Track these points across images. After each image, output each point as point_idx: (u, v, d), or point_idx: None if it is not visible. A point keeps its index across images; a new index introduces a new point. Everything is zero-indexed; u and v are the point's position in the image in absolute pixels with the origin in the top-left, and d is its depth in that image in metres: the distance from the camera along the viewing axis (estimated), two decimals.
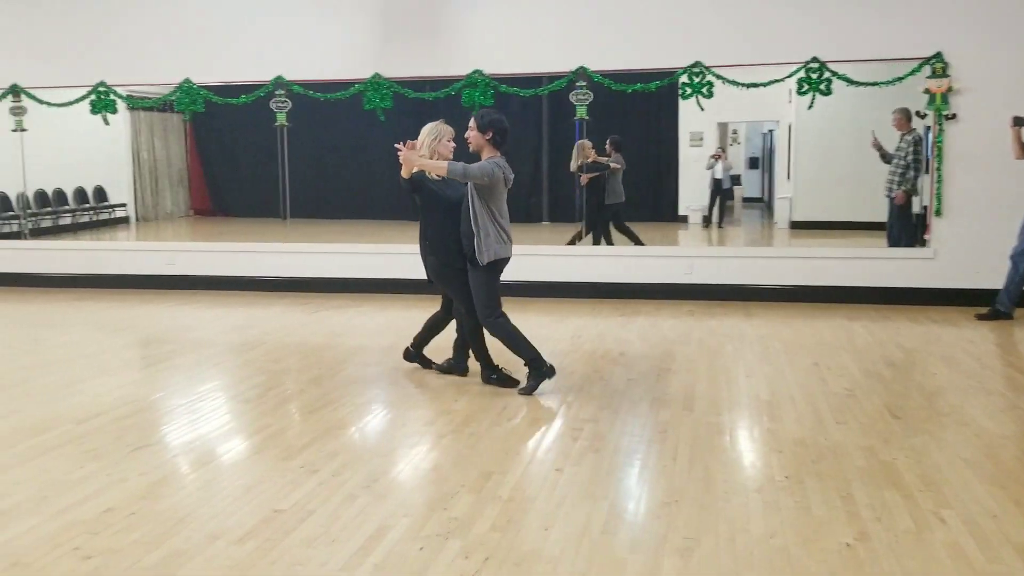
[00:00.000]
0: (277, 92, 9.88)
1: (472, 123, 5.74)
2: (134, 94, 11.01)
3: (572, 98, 9.49)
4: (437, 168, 5.62)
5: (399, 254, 10.02)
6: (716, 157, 15.13)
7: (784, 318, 8.42)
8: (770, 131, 17.17)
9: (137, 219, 17.09)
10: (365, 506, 4.02)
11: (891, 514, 3.89)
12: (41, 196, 15.27)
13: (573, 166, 11.11)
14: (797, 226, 13.64)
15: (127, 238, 15.90)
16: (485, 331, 6.01)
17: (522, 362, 5.98)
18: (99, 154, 16.13)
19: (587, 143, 11.05)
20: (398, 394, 5.98)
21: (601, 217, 10.91)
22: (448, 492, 4.18)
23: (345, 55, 9.80)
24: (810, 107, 9.01)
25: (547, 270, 9.75)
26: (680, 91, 9.27)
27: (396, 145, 5.70)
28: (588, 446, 4.82)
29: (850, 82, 8.85)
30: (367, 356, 7.09)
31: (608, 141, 11.29)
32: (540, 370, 5.86)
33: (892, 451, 4.70)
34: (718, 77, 9.10)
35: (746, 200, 18.59)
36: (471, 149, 5.79)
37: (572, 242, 10.89)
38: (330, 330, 8.14)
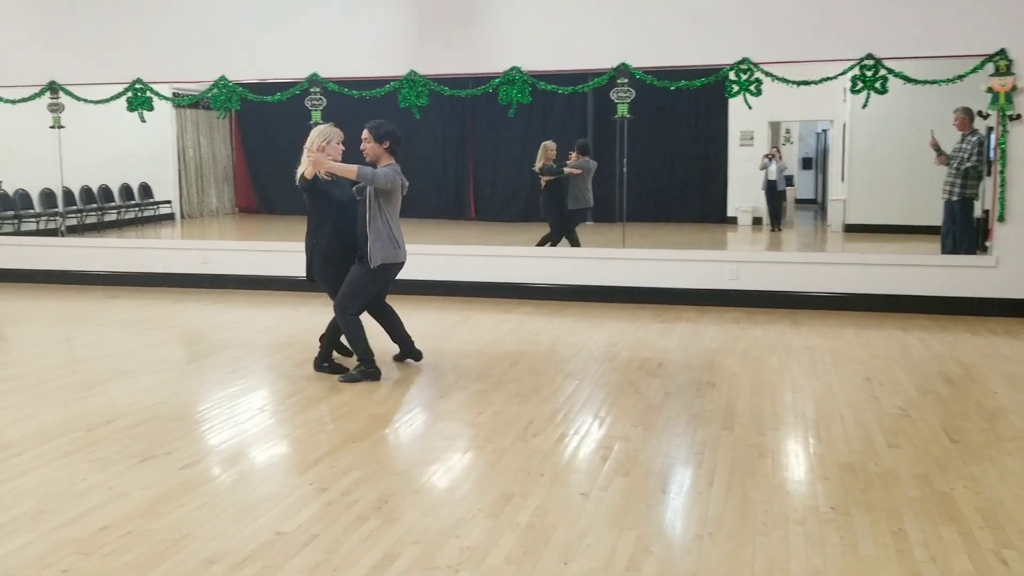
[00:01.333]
0: (312, 90, 9.69)
1: (366, 134, 6.02)
2: (179, 92, 10.92)
3: (613, 96, 9.16)
4: (347, 171, 5.82)
5: (441, 255, 9.79)
6: (770, 157, 14.63)
7: (834, 328, 8.00)
8: (824, 131, 16.61)
9: (182, 216, 17.13)
10: (373, 530, 3.76)
11: (947, 554, 3.53)
12: (87, 192, 15.36)
13: (536, 166, 10.86)
14: (851, 229, 13.13)
15: (171, 235, 15.92)
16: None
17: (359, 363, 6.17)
18: (145, 151, 16.19)
19: (550, 144, 10.80)
20: (421, 403, 5.72)
21: (568, 220, 10.63)
22: (463, 517, 3.90)
23: (380, 52, 9.57)
24: (864, 106, 8.56)
25: (585, 273, 9.44)
26: (726, 89, 8.88)
27: (306, 147, 5.94)
28: (617, 468, 4.51)
29: (907, 80, 8.38)
30: (395, 362, 6.83)
31: (575, 145, 11.02)
32: (368, 370, 6.16)
33: (949, 480, 4.31)
34: (767, 74, 8.69)
35: (799, 202, 18.03)
36: (367, 159, 6.06)
37: (542, 243, 10.51)
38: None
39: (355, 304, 6.18)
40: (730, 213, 15.29)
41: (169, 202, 16.84)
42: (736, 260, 9.24)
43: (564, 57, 9.23)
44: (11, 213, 13.21)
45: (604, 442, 4.92)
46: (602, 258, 9.53)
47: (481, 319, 8.54)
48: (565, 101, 14.11)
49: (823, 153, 17.06)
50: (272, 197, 18.12)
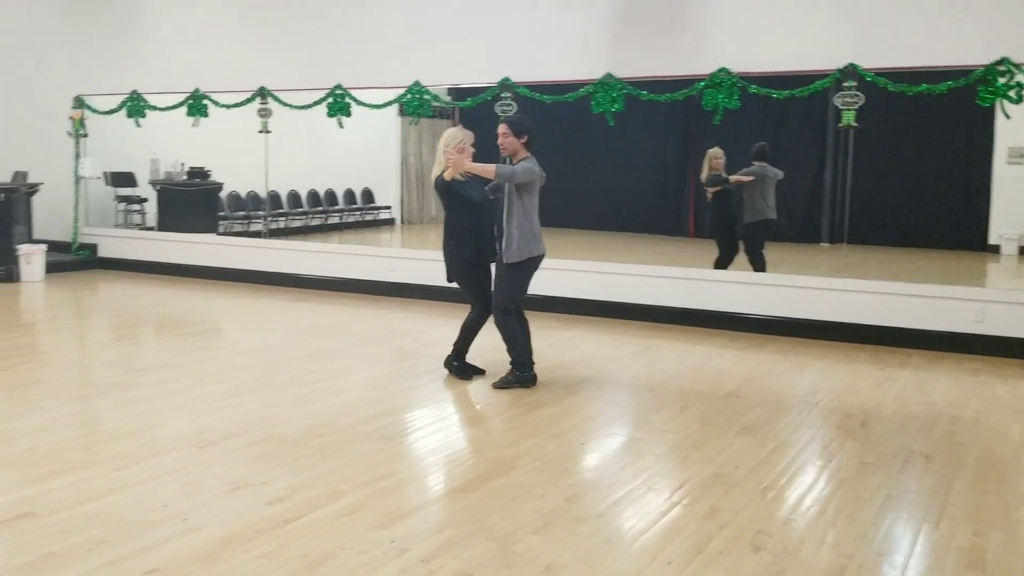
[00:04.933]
0: (503, 95, 9.19)
1: (504, 128, 6.00)
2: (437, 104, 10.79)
3: (837, 101, 7.93)
4: (486, 170, 5.83)
5: (627, 275, 8.97)
6: None
7: None
8: None
9: (402, 222, 17.39)
10: None
11: None
12: (313, 196, 15.91)
13: (702, 176, 9.73)
14: None
15: (390, 241, 16.14)
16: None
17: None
18: (370, 158, 16.59)
19: (715, 152, 9.55)
20: (556, 450, 4.93)
21: (748, 237, 9.46)
22: None
23: (573, 54, 8.91)
24: None
25: (794, 304, 8.23)
26: (979, 94, 7.41)
27: (440, 149, 5.98)
28: (766, 568, 3.52)
29: None
30: (585, 391, 6.10)
31: (752, 150, 9.68)
32: (522, 374, 6.12)
33: None
34: None
35: None
36: (505, 154, 6.06)
37: (717, 265, 9.40)
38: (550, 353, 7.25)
39: (510, 302, 6.11)
40: (993, 240, 13.22)
41: (389, 207, 17.14)
42: (982, 299, 7.68)
43: (780, 57, 8.13)
44: (242, 213, 13.86)
45: (764, 524, 3.92)
46: (816, 288, 8.26)
47: (664, 350, 7.63)
48: (802, 108, 12.84)
49: None
50: None
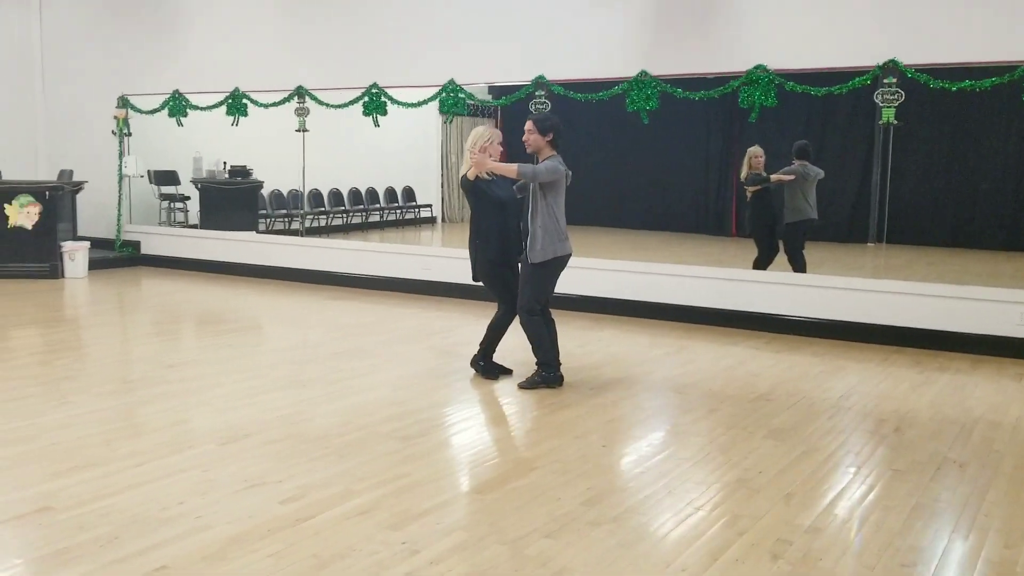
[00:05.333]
0: (537, 93, 9.12)
1: (530, 125, 5.93)
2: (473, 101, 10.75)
3: (877, 98, 7.73)
4: (508, 170, 5.79)
5: (663, 275, 8.86)
6: None
7: None
8: None
9: (443, 220, 17.40)
10: None
11: None
12: (355, 194, 15.99)
13: (742, 175, 9.53)
14: None
15: (430, 239, 16.17)
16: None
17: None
18: (412, 156, 16.62)
19: (756, 151, 9.35)
20: (576, 451, 4.86)
21: (788, 237, 9.28)
22: None
23: (608, 52, 8.80)
24: None
25: (832, 305, 8.05)
26: None
27: (467, 148, 5.95)
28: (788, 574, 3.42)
29: None
30: (604, 393, 6.03)
31: (793, 149, 9.48)
32: (548, 374, 6.06)
33: None
34: None
35: None
36: (530, 151, 5.98)
37: (756, 266, 9.23)
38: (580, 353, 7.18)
39: (535, 302, 6.04)
40: None
41: (430, 206, 17.16)
42: None
43: (818, 53, 7.95)
44: (283, 212, 13.99)
45: (785, 532, 3.81)
46: (856, 289, 8.06)
47: (698, 351, 7.51)
48: (850, 105, 12.57)
49: None
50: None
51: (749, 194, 9.56)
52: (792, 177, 9.26)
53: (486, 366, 6.40)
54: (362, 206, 15.96)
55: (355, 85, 10.26)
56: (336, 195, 15.33)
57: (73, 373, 6.40)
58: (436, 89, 9.76)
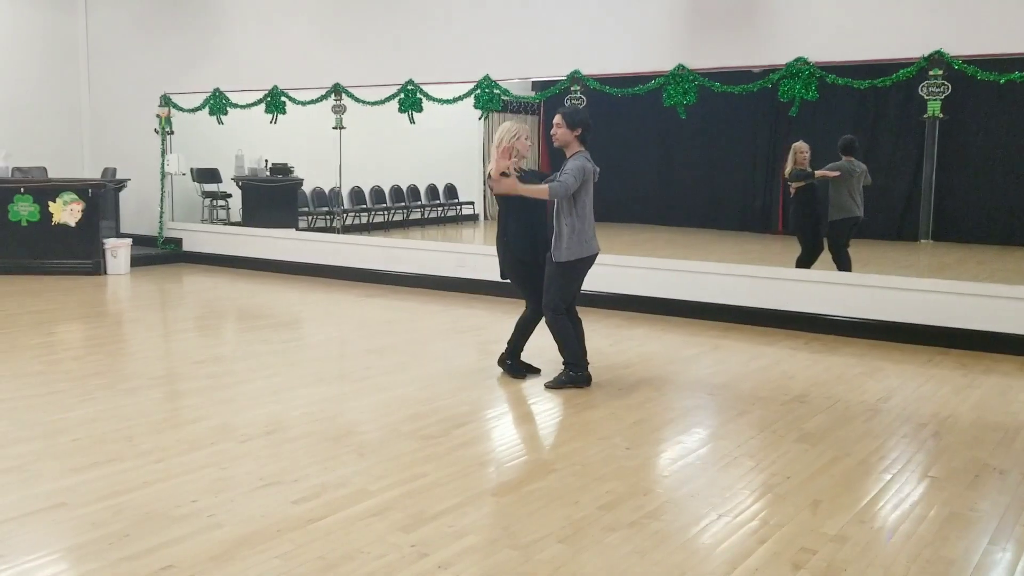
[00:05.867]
0: (572, 88, 9.00)
1: (559, 119, 5.78)
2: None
3: (923, 91, 7.48)
4: (539, 192, 5.68)
5: (700, 273, 8.70)
6: None
7: None
8: None
9: (485, 217, 17.34)
10: None
11: None
12: (396, 191, 16.00)
13: (785, 171, 9.25)
14: None
15: (472, 236, 16.12)
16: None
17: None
18: (453, 153, 16.59)
19: (801, 146, 9.05)
20: (596, 454, 4.74)
21: (832, 236, 9.00)
22: None
23: (645, 45, 8.65)
24: None
25: (874, 305, 7.81)
26: None
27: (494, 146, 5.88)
28: None
29: None
30: (637, 393, 5.91)
31: (838, 144, 9.16)
32: (575, 374, 5.95)
33: None
34: None
35: None
36: (557, 145, 5.85)
37: (800, 264, 8.96)
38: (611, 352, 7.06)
39: (559, 302, 5.93)
40: None
41: (472, 203, 17.10)
42: None
43: (861, 45, 7.71)
44: (325, 209, 14.04)
45: (800, 541, 3.66)
46: (900, 288, 7.80)
47: (732, 351, 7.34)
48: (902, 97, 12.22)
49: None
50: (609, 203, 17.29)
51: (793, 190, 9.33)
52: (837, 173, 9.00)
53: (513, 365, 6.31)
54: (403, 203, 15.96)
55: (391, 82, 10.24)
56: (378, 192, 15.35)
57: (103, 369, 6.45)
58: (472, 85, 9.69)
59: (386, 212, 15.63)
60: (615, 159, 16.38)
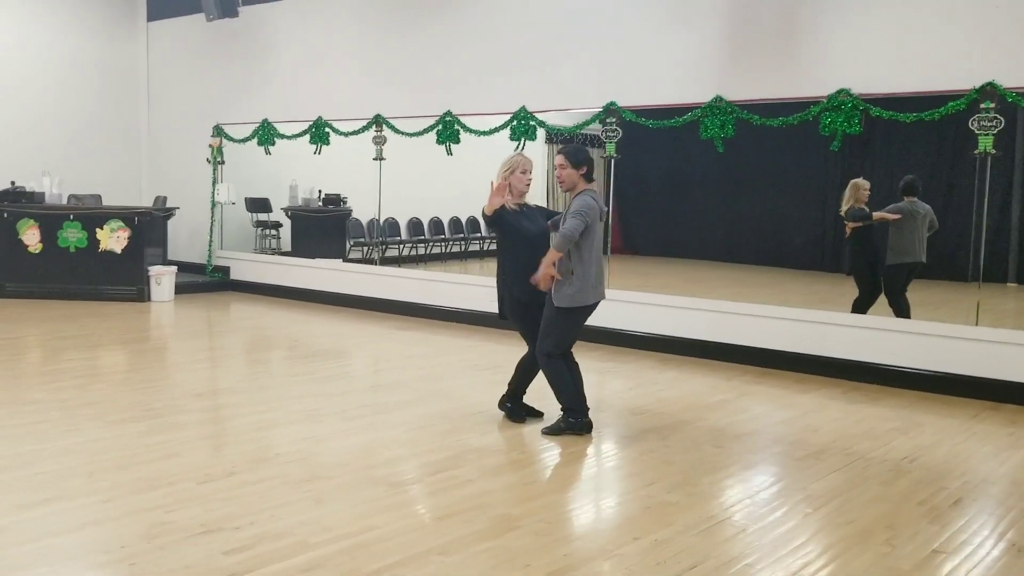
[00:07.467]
0: (607, 120, 8.71)
1: (562, 160, 5.50)
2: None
3: (973, 125, 6.94)
4: (552, 258, 5.36)
5: (733, 314, 8.24)
6: None
7: None
8: None
9: None
10: None
11: None
12: (436, 224, 15.79)
13: (842, 209, 8.64)
14: None
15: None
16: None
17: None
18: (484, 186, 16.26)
19: (862, 183, 8.47)
20: (578, 506, 4.38)
21: (889, 280, 8.41)
22: None
23: (682, 76, 8.32)
24: None
25: (919, 353, 7.23)
26: None
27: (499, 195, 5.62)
28: None
29: None
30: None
31: (900, 184, 8.54)
32: (574, 420, 5.60)
33: None
34: None
35: None
36: (563, 188, 5.57)
37: (856, 307, 8.32)
38: (628, 396, 6.69)
39: (556, 347, 5.60)
40: None
41: None
42: None
43: (907, 77, 7.23)
44: (377, 240, 13.97)
45: None
46: (953, 336, 7.17)
47: (760, 398, 6.87)
48: (904, 132, 11.47)
49: None
50: (637, 237, 16.89)
51: (848, 230, 8.77)
52: (897, 216, 8.42)
53: (514, 408, 6.01)
54: (443, 235, 15.77)
55: (430, 113, 10.13)
56: (416, 224, 15.15)
57: (101, 399, 6.37)
58: (508, 116, 9.49)
59: (426, 244, 15.43)
60: (681, 194, 15.98)
